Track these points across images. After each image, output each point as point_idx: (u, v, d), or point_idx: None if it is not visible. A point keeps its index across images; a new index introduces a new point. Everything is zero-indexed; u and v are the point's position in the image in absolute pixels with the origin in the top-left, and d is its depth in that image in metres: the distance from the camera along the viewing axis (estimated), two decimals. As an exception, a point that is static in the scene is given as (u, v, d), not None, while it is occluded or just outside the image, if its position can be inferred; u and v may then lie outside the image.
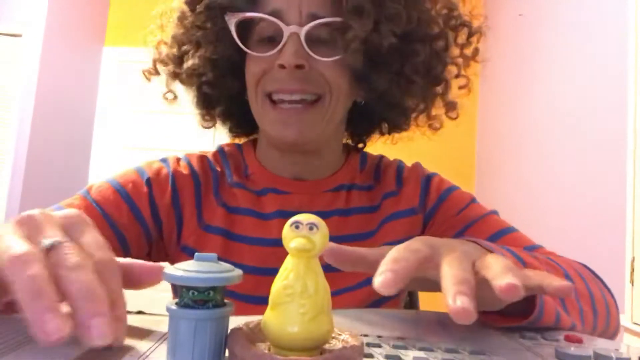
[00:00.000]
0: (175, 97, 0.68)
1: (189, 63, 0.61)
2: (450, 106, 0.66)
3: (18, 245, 0.26)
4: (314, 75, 0.56)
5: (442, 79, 0.63)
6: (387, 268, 0.29)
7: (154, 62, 0.66)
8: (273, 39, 0.56)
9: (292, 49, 0.54)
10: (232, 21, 0.57)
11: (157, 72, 0.67)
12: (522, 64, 2.60)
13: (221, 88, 0.63)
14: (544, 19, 2.42)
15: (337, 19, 0.55)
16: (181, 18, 0.60)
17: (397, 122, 0.68)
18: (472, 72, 0.65)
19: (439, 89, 0.64)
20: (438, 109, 0.67)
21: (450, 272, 0.30)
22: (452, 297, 0.27)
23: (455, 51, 0.64)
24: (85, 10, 3.35)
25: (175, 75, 0.64)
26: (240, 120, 0.70)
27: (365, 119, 0.69)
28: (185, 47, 0.62)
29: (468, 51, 0.64)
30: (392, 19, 0.55)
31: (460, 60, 0.64)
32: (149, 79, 0.68)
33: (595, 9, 1.94)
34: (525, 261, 0.42)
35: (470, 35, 0.64)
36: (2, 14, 2.91)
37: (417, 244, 0.34)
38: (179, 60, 0.63)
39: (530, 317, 0.37)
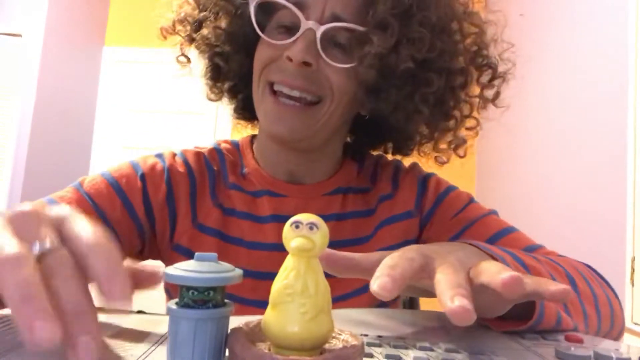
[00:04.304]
0: (189, 61, 0.66)
1: (205, 31, 0.59)
2: (457, 143, 0.64)
3: (9, 245, 0.25)
4: (319, 77, 0.55)
5: (452, 115, 0.61)
6: (384, 273, 0.29)
7: (174, 22, 0.64)
8: (290, 29, 0.55)
9: (303, 44, 0.52)
10: (253, 0, 0.55)
11: (175, 32, 0.65)
12: (522, 64, 2.60)
13: (232, 63, 0.61)
14: (545, 19, 2.42)
15: (358, 27, 0.53)
16: None
17: (400, 146, 0.67)
18: (500, 101, 0.63)
19: (449, 124, 0.62)
20: (444, 143, 0.65)
21: (444, 279, 0.29)
22: (449, 299, 0.26)
23: (475, 90, 0.62)
24: (85, 10, 3.35)
25: (191, 40, 0.63)
26: (247, 101, 0.68)
27: (370, 135, 0.68)
28: (204, 14, 0.60)
29: (488, 93, 0.62)
30: (415, 43, 0.53)
31: (476, 100, 0.62)
32: (165, 37, 0.65)
33: (596, 9, 1.94)
34: (525, 263, 0.41)
35: (492, 78, 0.61)
36: (2, 14, 2.91)
37: (412, 253, 0.33)
38: (198, 24, 0.61)
39: (530, 321, 0.36)
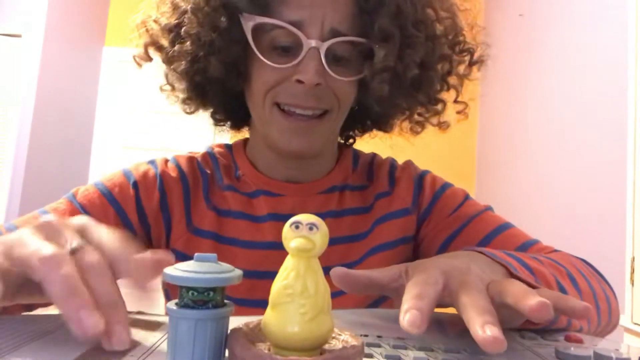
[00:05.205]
0: (173, 89, 0.63)
1: (189, 56, 0.56)
2: (444, 126, 0.66)
3: (46, 247, 0.28)
4: (327, 92, 0.55)
5: (440, 100, 0.64)
6: (412, 306, 0.29)
7: (145, 46, 0.60)
8: (287, 49, 0.54)
9: (313, 66, 0.52)
10: (248, 24, 0.53)
11: (149, 58, 0.62)
12: (522, 64, 2.60)
13: (220, 84, 0.59)
14: (544, 19, 2.42)
15: (360, 40, 0.54)
16: (195, 10, 0.54)
17: (380, 125, 0.69)
18: (473, 75, 0.65)
19: (437, 108, 0.64)
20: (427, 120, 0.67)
21: (471, 303, 0.30)
22: (480, 327, 0.27)
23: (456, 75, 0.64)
24: (85, 10, 3.35)
25: (170, 63, 0.59)
26: (230, 112, 0.67)
27: (350, 116, 0.68)
28: (188, 40, 0.55)
29: (464, 70, 0.64)
30: (415, 48, 0.55)
31: (458, 84, 0.64)
32: (140, 65, 0.63)
33: (596, 9, 1.94)
34: (531, 267, 0.42)
35: (471, 63, 0.63)
36: (2, 14, 2.91)
37: (435, 276, 0.33)
38: (179, 51, 0.57)
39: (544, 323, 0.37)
